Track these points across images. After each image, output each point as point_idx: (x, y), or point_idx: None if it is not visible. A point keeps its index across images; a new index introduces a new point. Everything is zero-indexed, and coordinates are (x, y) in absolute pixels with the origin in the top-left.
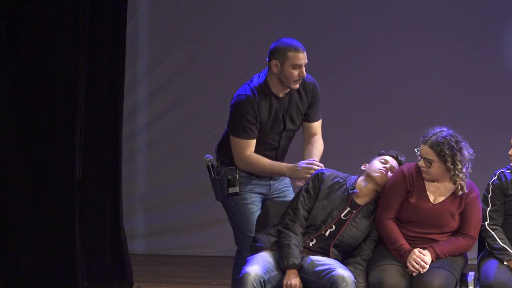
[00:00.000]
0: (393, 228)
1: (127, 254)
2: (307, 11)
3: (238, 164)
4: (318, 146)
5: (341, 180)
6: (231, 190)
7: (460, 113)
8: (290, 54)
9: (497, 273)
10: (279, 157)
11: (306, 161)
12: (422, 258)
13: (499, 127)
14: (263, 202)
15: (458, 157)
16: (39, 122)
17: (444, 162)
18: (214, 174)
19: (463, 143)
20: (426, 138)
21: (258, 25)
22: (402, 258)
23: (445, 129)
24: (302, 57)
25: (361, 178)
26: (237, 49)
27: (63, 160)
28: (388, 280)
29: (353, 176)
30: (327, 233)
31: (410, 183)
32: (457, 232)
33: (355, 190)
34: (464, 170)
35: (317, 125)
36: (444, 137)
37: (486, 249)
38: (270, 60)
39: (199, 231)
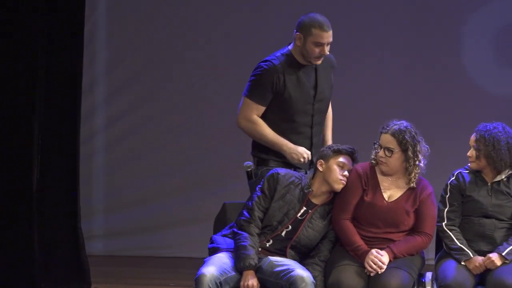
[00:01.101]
0: (350, 228)
1: (85, 255)
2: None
3: (241, 121)
4: (330, 124)
5: (297, 180)
6: None
7: (420, 113)
8: (315, 31)
9: (454, 274)
10: (314, 135)
11: (306, 151)
12: (379, 258)
13: (458, 128)
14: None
15: (418, 147)
16: None
17: (405, 151)
18: (253, 177)
19: (420, 137)
20: (388, 128)
21: (217, 25)
22: (359, 258)
23: (404, 121)
24: (326, 36)
25: (317, 178)
26: (196, 50)
27: (21, 161)
28: (346, 280)
29: (307, 174)
30: (283, 233)
31: (365, 182)
32: (413, 231)
33: (310, 189)
34: (421, 162)
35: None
36: (405, 127)
37: (444, 249)
38: (296, 31)
39: (157, 232)
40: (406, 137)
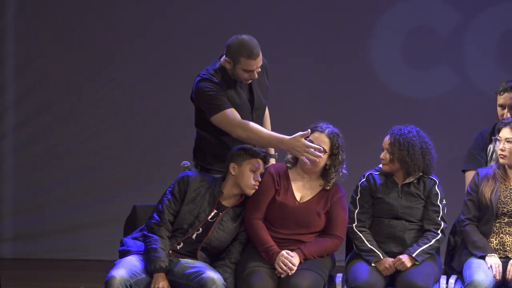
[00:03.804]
0: (262, 228)
1: None
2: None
3: (238, 131)
4: (268, 126)
5: (208, 183)
6: None
7: (332, 115)
8: (242, 59)
9: (365, 275)
10: None
11: (308, 141)
12: (290, 259)
13: (369, 130)
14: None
15: (344, 154)
16: None
17: (335, 154)
18: None
19: None
20: (323, 128)
21: (127, 25)
22: (270, 260)
23: (330, 125)
24: (255, 64)
25: (228, 181)
26: (105, 51)
27: None
28: (256, 282)
29: (218, 177)
30: (194, 236)
31: (277, 182)
32: (324, 233)
33: (221, 192)
34: (344, 169)
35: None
36: (338, 131)
37: (354, 250)
38: (225, 56)
39: (68, 235)
40: (339, 141)
